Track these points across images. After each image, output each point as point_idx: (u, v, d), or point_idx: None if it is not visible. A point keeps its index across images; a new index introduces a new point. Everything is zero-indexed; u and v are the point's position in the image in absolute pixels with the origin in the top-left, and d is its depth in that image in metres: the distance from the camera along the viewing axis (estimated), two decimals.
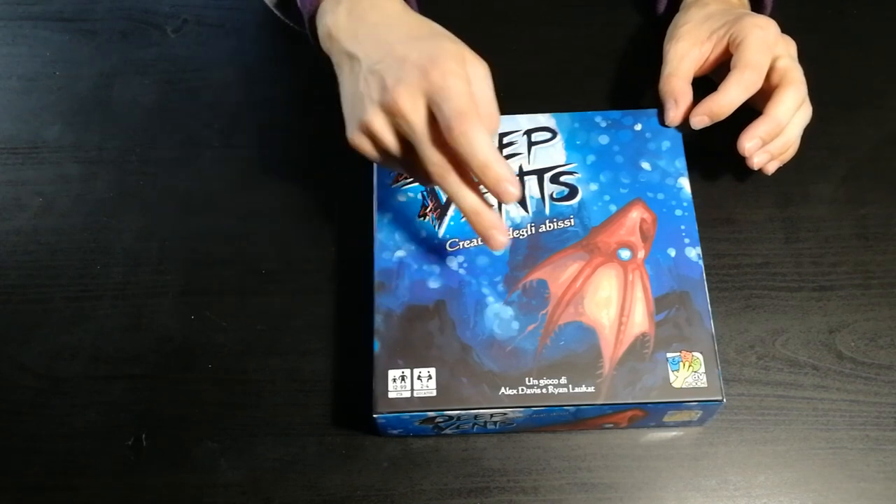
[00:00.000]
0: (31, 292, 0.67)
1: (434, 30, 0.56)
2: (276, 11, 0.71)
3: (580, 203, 0.63)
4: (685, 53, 0.65)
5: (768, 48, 0.62)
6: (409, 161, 0.56)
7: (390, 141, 0.54)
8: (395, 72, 0.53)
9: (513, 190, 0.52)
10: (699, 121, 0.63)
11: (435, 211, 0.63)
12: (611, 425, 0.60)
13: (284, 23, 0.71)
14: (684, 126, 0.64)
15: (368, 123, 0.54)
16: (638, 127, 0.66)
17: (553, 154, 0.65)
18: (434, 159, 0.53)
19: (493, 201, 0.59)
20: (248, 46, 0.78)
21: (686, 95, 0.64)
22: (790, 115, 0.62)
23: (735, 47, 0.63)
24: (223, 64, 0.77)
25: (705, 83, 0.67)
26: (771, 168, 0.65)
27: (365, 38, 0.56)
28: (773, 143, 0.63)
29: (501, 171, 0.51)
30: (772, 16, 0.71)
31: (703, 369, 0.57)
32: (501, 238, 0.54)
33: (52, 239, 0.69)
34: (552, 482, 0.60)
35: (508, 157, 0.64)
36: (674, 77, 0.65)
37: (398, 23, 0.56)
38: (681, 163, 0.64)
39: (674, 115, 0.64)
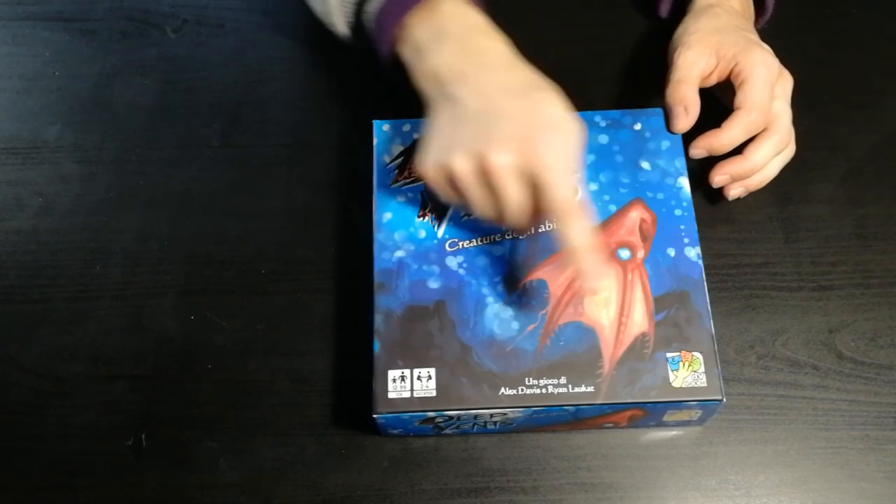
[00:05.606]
0: (31, 292, 0.67)
1: (534, 83, 0.56)
2: (336, 32, 0.66)
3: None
4: (694, 62, 0.65)
5: (771, 88, 0.63)
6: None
7: (469, 185, 0.55)
8: (497, 130, 0.53)
9: (594, 284, 0.54)
10: (697, 153, 0.64)
11: (434, 211, 0.63)
12: (611, 425, 0.60)
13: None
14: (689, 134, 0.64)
15: (453, 165, 0.54)
16: (637, 126, 0.65)
17: None
18: (517, 217, 0.56)
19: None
20: (248, 46, 0.78)
21: (695, 104, 0.64)
22: (766, 161, 0.64)
23: (739, 82, 0.63)
24: (223, 64, 0.77)
25: (704, 94, 0.66)
26: (744, 195, 0.67)
27: (471, 83, 0.56)
28: (751, 179, 0.65)
29: (595, 261, 0.54)
30: (772, 17, 0.71)
31: (702, 369, 0.57)
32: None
33: (52, 239, 0.69)
34: (552, 482, 0.60)
35: None
36: (683, 84, 0.64)
37: (502, 69, 0.57)
38: (680, 162, 0.64)
39: (684, 123, 0.64)
